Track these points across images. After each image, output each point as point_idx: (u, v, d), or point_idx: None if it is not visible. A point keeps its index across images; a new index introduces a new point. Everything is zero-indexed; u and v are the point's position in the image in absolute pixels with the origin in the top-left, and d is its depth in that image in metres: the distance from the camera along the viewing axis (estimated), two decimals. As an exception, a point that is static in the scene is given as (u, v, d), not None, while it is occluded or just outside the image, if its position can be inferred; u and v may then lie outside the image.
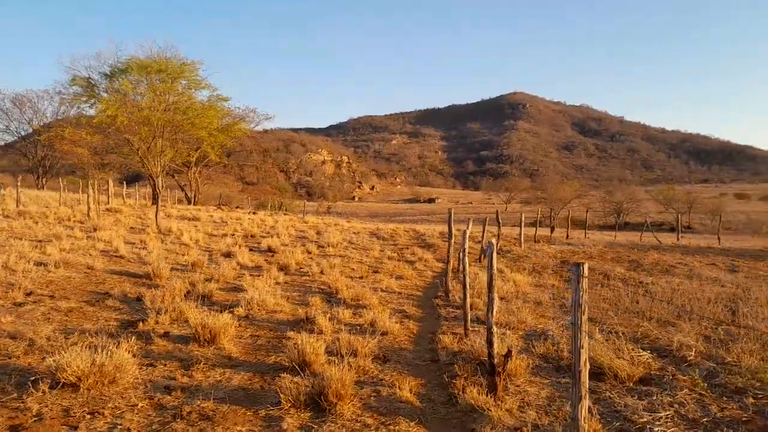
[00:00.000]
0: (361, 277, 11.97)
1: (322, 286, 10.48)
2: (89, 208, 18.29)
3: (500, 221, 18.41)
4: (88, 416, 3.94)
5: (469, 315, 7.07)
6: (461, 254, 8.08)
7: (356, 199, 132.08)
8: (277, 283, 10.38)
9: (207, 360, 5.52)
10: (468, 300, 7.06)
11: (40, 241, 12.59)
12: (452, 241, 10.38)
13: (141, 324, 6.72)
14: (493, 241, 5.19)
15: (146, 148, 16.99)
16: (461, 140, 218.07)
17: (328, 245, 17.34)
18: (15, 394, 4.23)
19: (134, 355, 5.45)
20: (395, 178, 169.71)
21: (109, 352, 4.67)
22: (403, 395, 4.76)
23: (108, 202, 25.13)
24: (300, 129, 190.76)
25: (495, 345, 4.96)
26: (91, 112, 17.68)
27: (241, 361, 5.68)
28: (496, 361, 4.89)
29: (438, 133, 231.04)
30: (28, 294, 7.88)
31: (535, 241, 22.67)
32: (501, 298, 10.11)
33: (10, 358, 5.20)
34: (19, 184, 20.01)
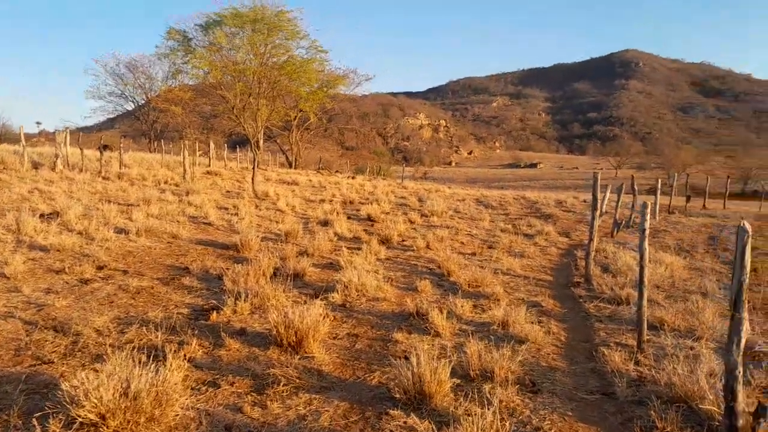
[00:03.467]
0: (473, 254, 10.19)
1: (430, 265, 8.83)
2: (185, 170, 17.78)
3: (635, 189, 15.68)
4: (100, 491, 2.55)
5: (646, 320, 5.07)
6: (638, 234, 6.04)
7: (453, 164, 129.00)
8: (378, 260, 8.87)
9: (288, 379, 4.03)
10: (645, 298, 5.04)
11: (129, 205, 11.93)
12: (597, 213, 8.25)
13: (215, 314, 5.41)
14: (746, 225, 3.19)
15: (242, 106, 15.99)
16: (567, 101, 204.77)
17: (432, 214, 15.62)
18: (16, 436, 2.95)
19: (196, 366, 4.10)
20: (494, 143, 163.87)
21: (151, 375, 3.28)
22: (582, 468, 2.99)
23: (209, 165, 24.96)
24: (398, 93, 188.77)
25: (740, 396, 3.03)
26: (188, 68, 17.15)
27: (335, 380, 4.15)
28: (740, 423, 2.97)
29: (542, 94, 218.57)
30: (100, 268, 6.89)
31: (669, 212, 19.69)
32: (656, 287, 7.96)
33: (42, 363, 4.00)
34: (122, 145, 19.98)
